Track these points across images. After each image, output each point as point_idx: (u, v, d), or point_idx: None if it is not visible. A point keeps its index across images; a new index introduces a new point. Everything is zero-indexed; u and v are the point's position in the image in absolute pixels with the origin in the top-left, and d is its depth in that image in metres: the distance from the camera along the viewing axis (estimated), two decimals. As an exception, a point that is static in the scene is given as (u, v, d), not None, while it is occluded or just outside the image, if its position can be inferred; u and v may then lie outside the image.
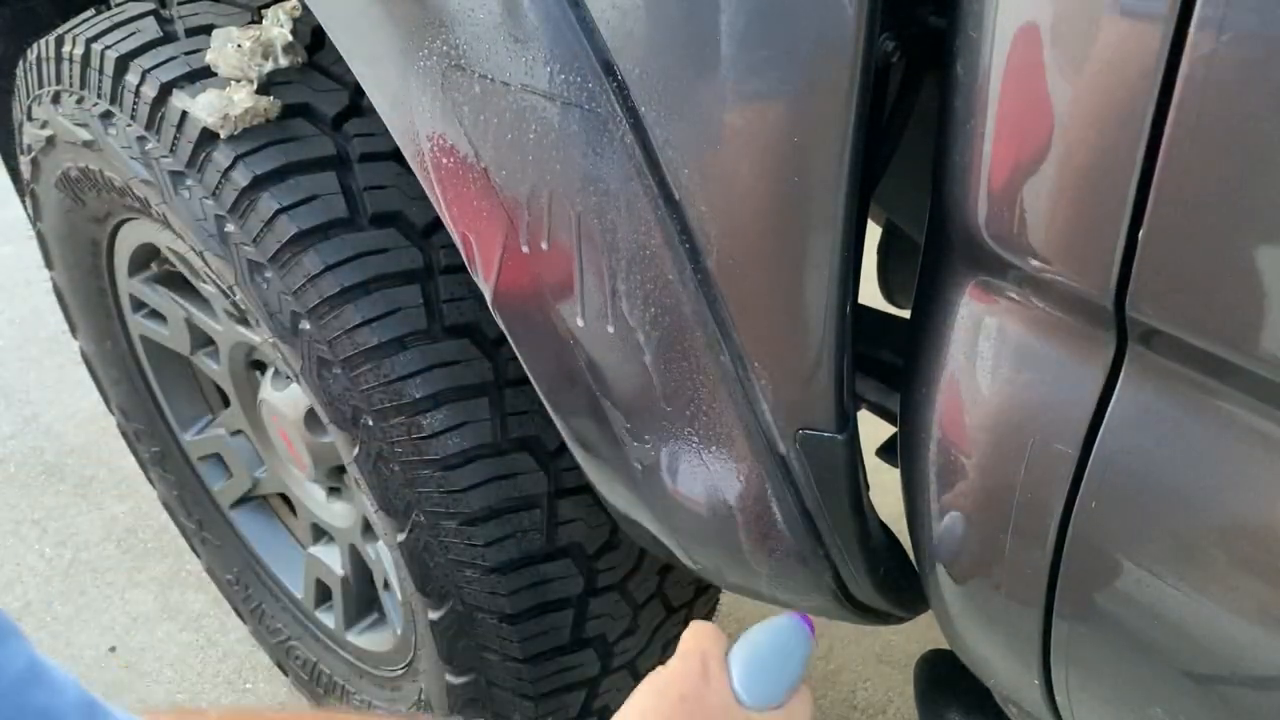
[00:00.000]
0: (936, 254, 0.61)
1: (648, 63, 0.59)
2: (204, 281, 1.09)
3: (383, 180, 0.87)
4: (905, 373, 0.66)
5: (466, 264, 0.75)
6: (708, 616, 1.18)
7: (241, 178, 0.85)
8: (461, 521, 0.88)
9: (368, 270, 0.85)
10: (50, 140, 1.09)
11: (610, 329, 0.69)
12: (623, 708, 0.56)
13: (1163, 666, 0.56)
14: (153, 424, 1.40)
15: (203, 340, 1.22)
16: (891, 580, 0.75)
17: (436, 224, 0.86)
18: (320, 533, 1.29)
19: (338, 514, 1.20)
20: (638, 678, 1.09)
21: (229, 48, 0.87)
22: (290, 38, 0.88)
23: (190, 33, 0.94)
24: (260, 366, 1.19)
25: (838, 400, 0.64)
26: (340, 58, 0.77)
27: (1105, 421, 0.53)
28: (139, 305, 1.27)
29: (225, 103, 0.85)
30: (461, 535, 0.89)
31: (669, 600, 1.06)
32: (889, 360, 0.83)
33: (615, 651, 1.03)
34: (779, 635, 0.65)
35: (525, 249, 0.69)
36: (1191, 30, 0.42)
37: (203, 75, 0.89)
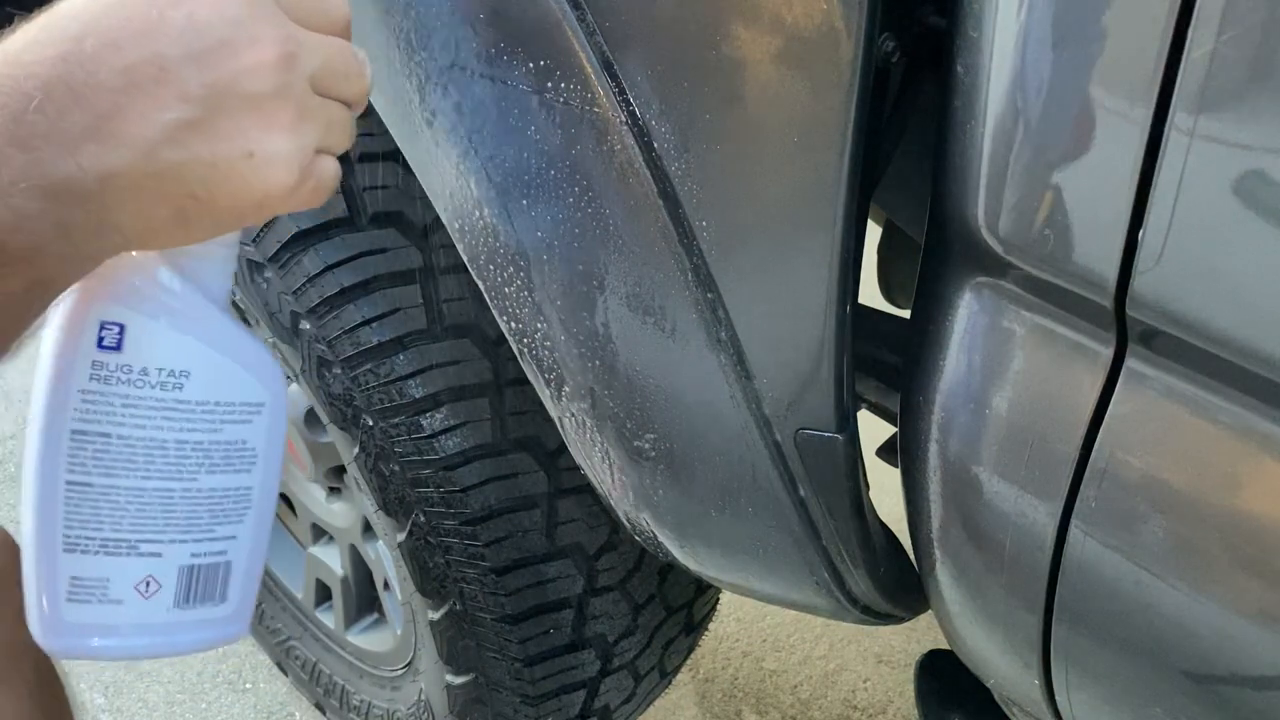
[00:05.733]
0: (936, 254, 0.61)
1: (647, 62, 0.59)
2: (204, 281, 1.09)
3: (383, 180, 0.87)
4: (905, 373, 0.66)
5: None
6: (708, 616, 1.18)
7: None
8: (461, 521, 0.88)
9: (368, 270, 0.85)
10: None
11: (609, 326, 0.69)
12: None
13: (1163, 666, 0.56)
14: None
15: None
16: (891, 580, 0.75)
17: (437, 224, 0.86)
18: (320, 533, 1.29)
19: (338, 514, 1.20)
20: (638, 678, 1.10)
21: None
22: (290, 37, 0.88)
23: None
24: (260, 366, 1.19)
25: (838, 400, 0.64)
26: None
27: (1105, 421, 0.53)
28: (139, 305, 1.27)
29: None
30: (461, 535, 0.89)
31: (669, 600, 1.06)
32: (889, 360, 0.83)
33: (615, 652, 1.03)
34: None
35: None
36: (1191, 29, 0.42)
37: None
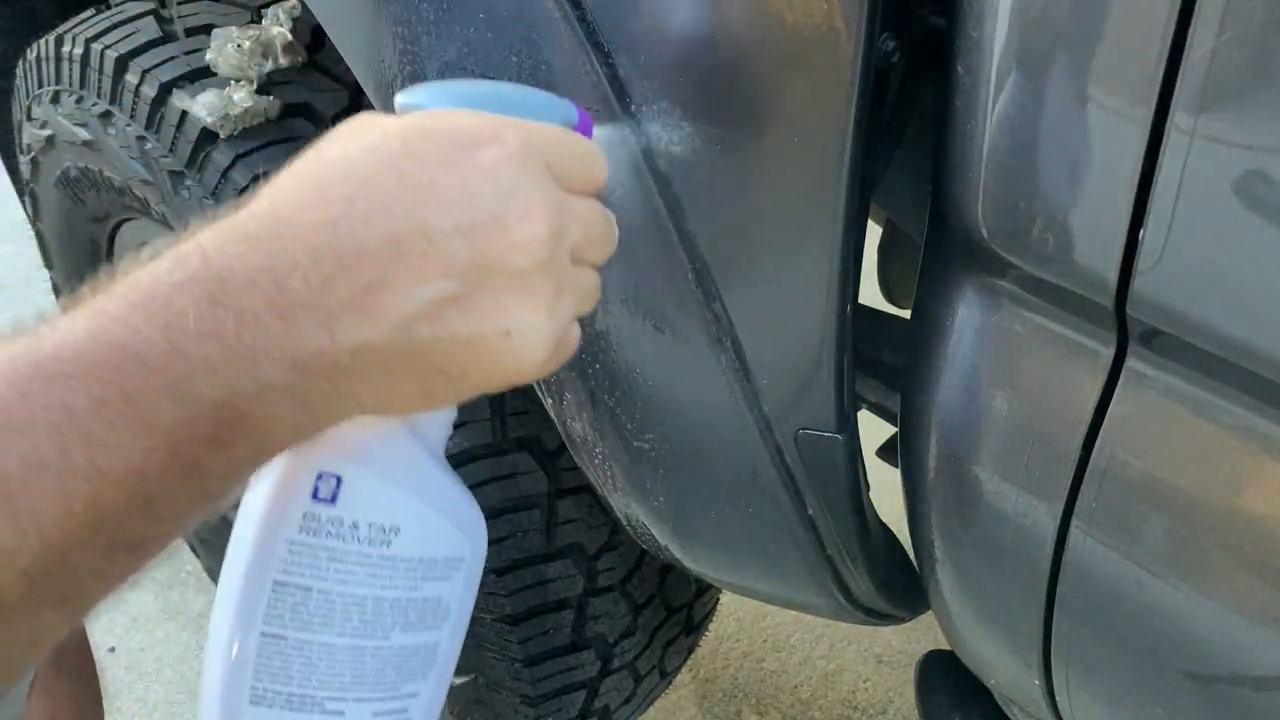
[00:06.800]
0: (936, 254, 0.61)
1: (647, 61, 0.59)
2: (204, 281, 1.09)
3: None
4: (905, 373, 0.66)
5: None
6: (708, 617, 1.18)
7: (241, 177, 0.85)
8: (461, 522, 0.88)
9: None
10: (50, 140, 1.09)
11: (609, 327, 0.69)
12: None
13: (1163, 666, 0.56)
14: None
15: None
16: (892, 580, 0.75)
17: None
18: (320, 533, 1.28)
19: (337, 514, 1.20)
20: (638, 678, 1.10)
21: (229, 47, 0.87)
22: (290, 37, 0.88)
23: (190, 32, 0.94)
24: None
25: (838, 400, 0.64)
26: (340, 57, 0.77)
27: (1105, 421, 0.53)
28: (139, 305, 1.27)
29: (225, 102, 0.85)
30: (461, 535, 0.89)
31: (669, 601, 1.06)
32: (889, 360, 0.83)
33: (615, 652, 1.03)
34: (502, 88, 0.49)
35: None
36: (1192, 29, 0.42)
37: (202, 75, 0.89)
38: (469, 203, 0.38)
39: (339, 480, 0.43)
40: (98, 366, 0.32)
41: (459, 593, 0.48)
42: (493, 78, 0.65)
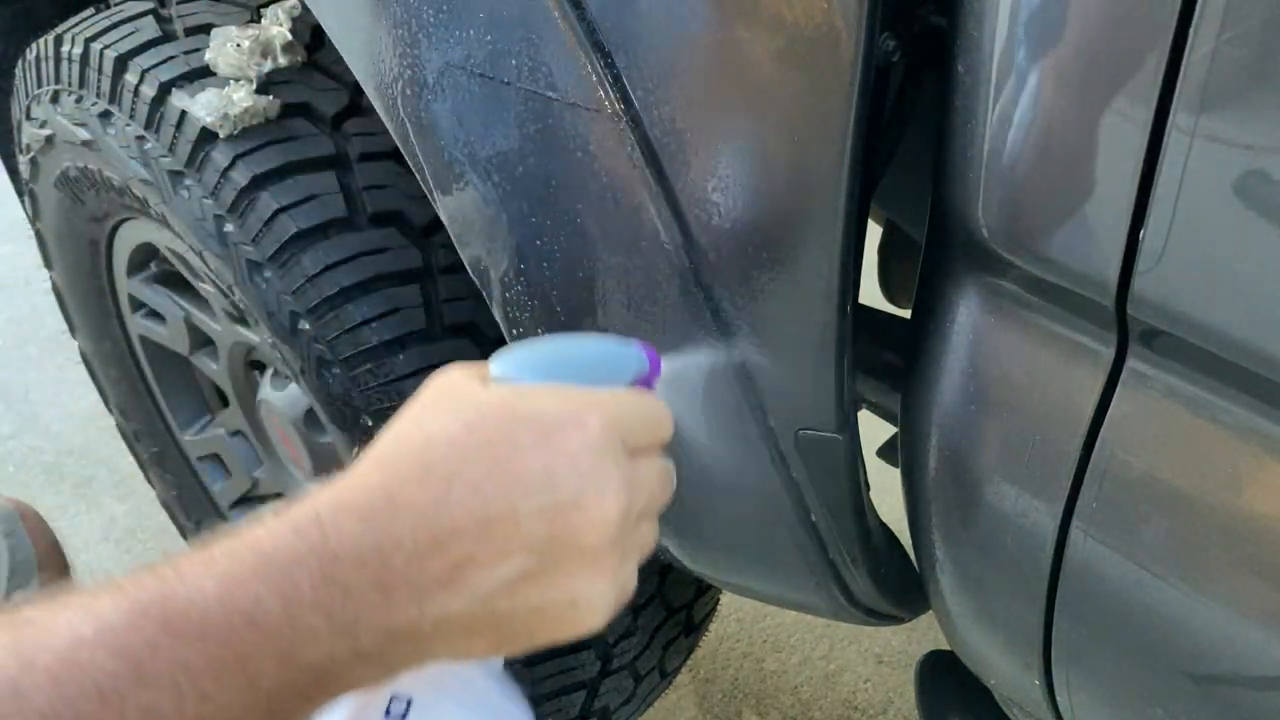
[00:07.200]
0: (937, 254, 0.61)
1: (647, 61, 0.59)
2: (203, 281, 1.09)
3: (382, 180, 0.87)
4: (905, 373, 0.66)
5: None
6: (708, 617, 1.18)
7: (241, 177, 0.85)
8: (461, 522, 0.88)
9: (368, 270, 0.85)
10: (49, 140, 1.09)
11: (609, 328, 0.69)
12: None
13: (1164, 667, 0.56)
14: (152, 424, 1.40)
15: (202, 340, 1.22)
16: (892, 581, 0.75)
17: (436, 223, 0.86)
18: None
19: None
20: (638, 679, 1.10)
21: (228, 47, 0.87)
22: (289, 37, 0.88)
23: (189, 32, 0.94)
24: (259, 366, 1.19)
25: (838, 400, 0.64)
26: (340, 57, 0.77)
27: (1106, 421, 0.53)
28: (138, 305, 1.27)
29: (224, 102, 0.85)
30: (461, 535, 0.89)
31: (669, 601, 1.06)
32: (889, 360, 0.83)
33: (615, 653, 1.03)
34: (581, 341, 0.53)
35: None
36: (1192, 29, 0.42)
37: (202, 75, 0.89)
38: (552, 486, 0.41)
39: (409, 704, 0.48)
40: (221, 631, 0.36)
41: None
42: (501, 80, 0.65)
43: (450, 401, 0.43)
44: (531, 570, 0.41)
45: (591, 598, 0.43)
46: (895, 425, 0.72)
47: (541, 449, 0.41)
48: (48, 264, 1.34)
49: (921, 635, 1.58)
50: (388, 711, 0.48)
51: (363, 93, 0.82)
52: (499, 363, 0.48)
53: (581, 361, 0.50)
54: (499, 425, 0.42)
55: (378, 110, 0.75)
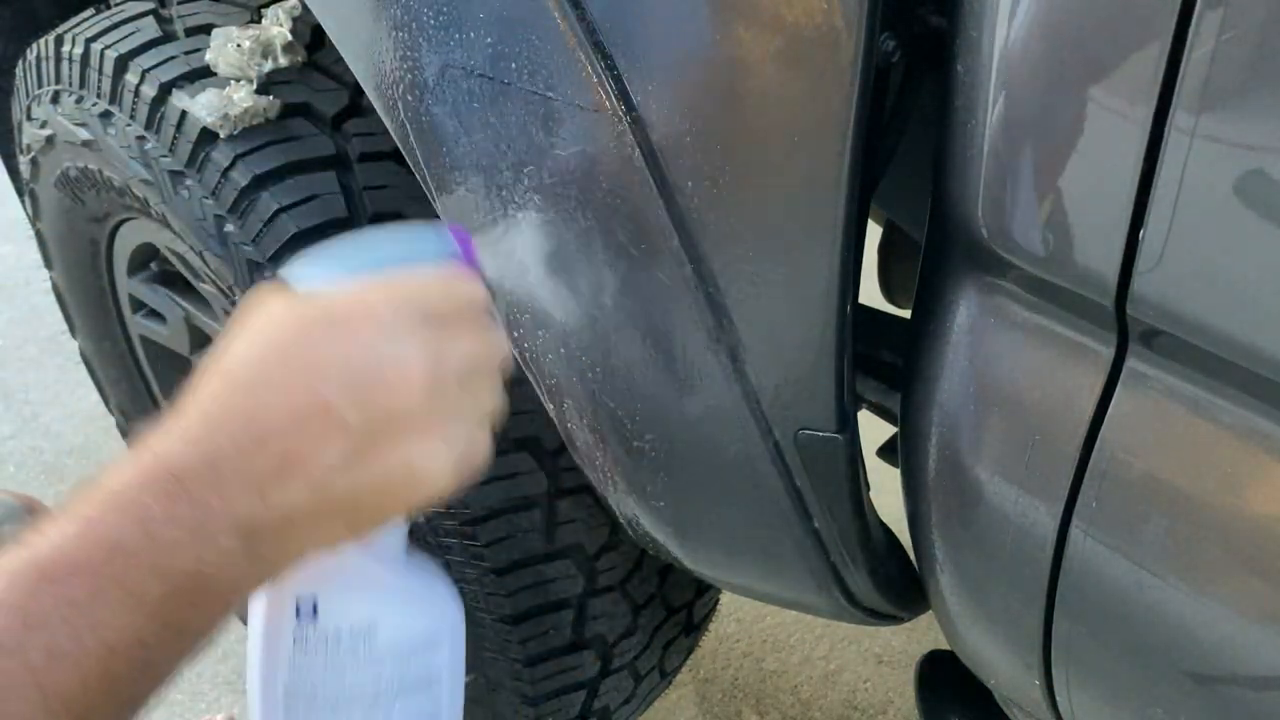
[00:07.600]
0: (936, 254, 0.61)
1: (647, 62, 0.59)
2: (203, 281, 1.09)
3: (383, 180, 0.87)
4: (905, 373, 0.66)
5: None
6: (708, 617, 1.18)
7: (241, 177, 0.85)
8: (461, 522, 0.88)
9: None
10: (50, 140, 1.09)
11: (609, 329, 0.69)
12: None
13: (1164, 666, 0.56)
14: (152, 424, 1.39)
15: (202, 340, 1.22)
16: (892, 580, 0.75)
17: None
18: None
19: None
20: (638, 678, 1.10)
21: (229, 47, 0.87)
22: (290, 37, 0.88)
23: (190, 32, 0.94)
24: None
25: (838, 400, 0.64)
26: (340, 57, 0.77)
27: (1105, 421, 0.53)
28: (138, 305, 1.27)
29: (225, 102, 0.85)
30: (461, 536, 0.89)
31: (669, 601, 1.06)
32: (889, 360, 0.83)
33: (615, 652, 1.03)
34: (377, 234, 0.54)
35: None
36: (1192, 28, 0.42)
37: (202, 75, 0.89)
38: (351, 369, 0.44)
39: (315, 601, 0.52)
40: (92, 562, 0.39)
41: (446, 658, 0.56)
42: (501, 81, 0.65)
43: (252, 322, 0.46)
44: (356, 448, 0.44)
45: (426, 462, 0.46)
46: (895, 425, 0.72)
47: (336, 341, 0.45)
48: (48, 264, 1.34)
49: (921, 635, 1.58)
50: (298, 613, 0.51)
51: (363, 93, 0.82)
52: (298, 269, 0.50)
53: (380, 251, 0.51)
54: (295, 330, 0.45)
55: (378, 111, 0.75)
